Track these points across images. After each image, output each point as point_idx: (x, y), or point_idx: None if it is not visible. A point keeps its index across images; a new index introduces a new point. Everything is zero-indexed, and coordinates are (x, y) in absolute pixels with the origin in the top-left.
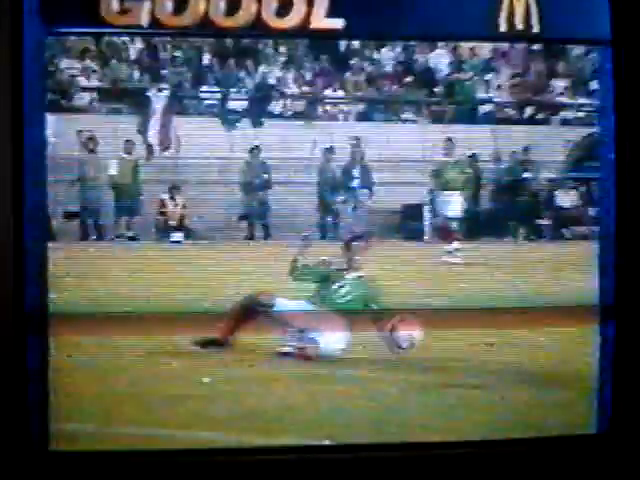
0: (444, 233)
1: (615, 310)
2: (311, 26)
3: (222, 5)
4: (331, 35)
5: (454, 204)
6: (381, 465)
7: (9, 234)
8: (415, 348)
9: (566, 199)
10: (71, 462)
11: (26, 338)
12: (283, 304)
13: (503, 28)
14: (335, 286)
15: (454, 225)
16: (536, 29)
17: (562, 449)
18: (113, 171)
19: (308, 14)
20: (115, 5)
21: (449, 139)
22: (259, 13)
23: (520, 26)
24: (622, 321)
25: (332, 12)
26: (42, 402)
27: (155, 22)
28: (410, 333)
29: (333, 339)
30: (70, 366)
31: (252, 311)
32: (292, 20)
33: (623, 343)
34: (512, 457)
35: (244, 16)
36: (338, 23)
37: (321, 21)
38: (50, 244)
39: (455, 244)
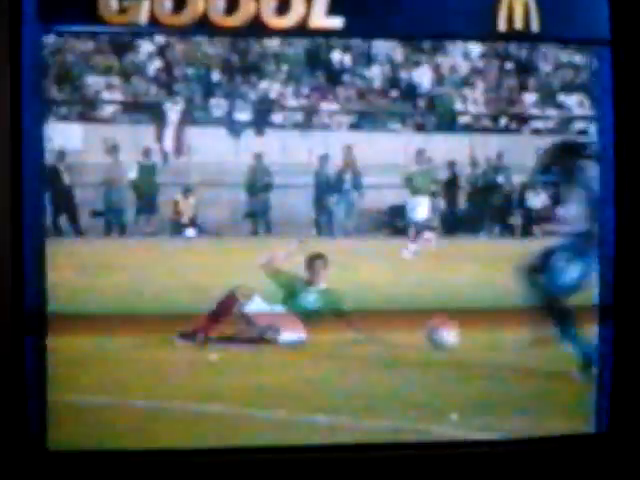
0: (415, 232)
1: (614, 310)
2: (310, 25)
3: (221, 4)
4: (330, 34)
5: (422, 207)
6: (377, 464)
7: (8, 234)
8: (456, 347)
9: (536, 200)
10: (70, 461)
11: (25, 338)
12: (257, 302)
13: (502, 27)
14: (301, 295)
15: (423, 226)
16: (535, 28)
17: (561, 448)
18: (133, 175)
19: (307, 13)
20: (114, 4)
21: (420, 151)
22: (258, 12)
23: (519, 25)
24: (621, 321)
25: (331, 11)
26: (41, 401)
27: (154, 21)
28: (451, 332)
29: (292, 335)
30: (69, 365)
31: (228, 306)
32: (291, 19)
33: (622, 343)
34: (511, 456)
35: (243, 15)
36: (337, 22)
37: (320, 20)
38: (48, 244)
39: (427, 238)
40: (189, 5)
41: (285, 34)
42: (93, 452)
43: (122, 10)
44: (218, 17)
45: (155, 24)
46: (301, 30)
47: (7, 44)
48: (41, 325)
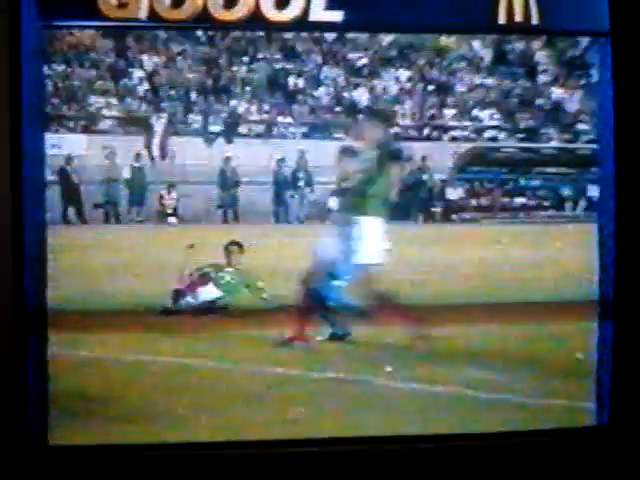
0: None
1: (614, 303)
2: (309, 19)
3: None
4: (330, 28)
5: None
6: (373, 460)
7: (8, 232)
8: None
9: (454, 193)
10: (70, 456)
11: (26, 334)
12: (208, 290)
13: (502, 20)
14: (220, 276)
15: None
16: (535, 21)
17: (562, 441)
18: (127, 175)
19: (307, 7)
20: None
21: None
22: (258, 6)
23: (519, 18)
24: (621, 315)
25: (331, 5)
26: (42, 396)
27: (153, 16)
28: None
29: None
30: (69, 361)
31: (200, 283)
32: (291, 13)
33: (622, 337)
34: (512, 449)
35: (243, 9)
36: (337, 16)
37: (320, 14)
38: (49, 246)
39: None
40: None
41: (285, 28)
42: (92, 446)
43: (122, 5)
44: (218, 11)
45: (155, 19)
46: (301, 24)
47: (6, 40)
48: (42, 321)
